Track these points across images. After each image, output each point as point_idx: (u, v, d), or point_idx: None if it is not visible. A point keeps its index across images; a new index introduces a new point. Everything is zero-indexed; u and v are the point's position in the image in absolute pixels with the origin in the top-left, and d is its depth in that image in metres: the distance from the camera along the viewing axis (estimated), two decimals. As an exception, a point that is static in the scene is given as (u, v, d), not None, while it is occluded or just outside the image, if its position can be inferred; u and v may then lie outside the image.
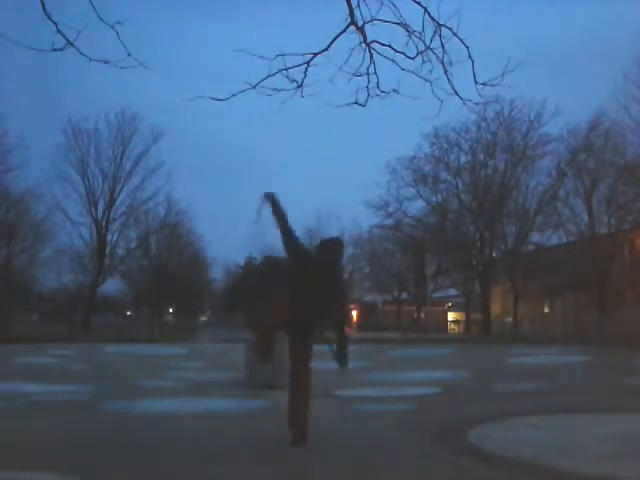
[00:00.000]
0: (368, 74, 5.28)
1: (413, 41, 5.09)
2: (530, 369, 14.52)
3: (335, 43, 5.04)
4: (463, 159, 42.66)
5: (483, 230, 41.31)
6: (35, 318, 48.82)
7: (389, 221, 45.25)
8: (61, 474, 4.53)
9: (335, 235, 5.47)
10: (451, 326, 56.94)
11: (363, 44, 5.14)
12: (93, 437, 5.99)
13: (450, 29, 5.01)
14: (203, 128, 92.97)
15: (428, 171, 43.33)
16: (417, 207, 44.36)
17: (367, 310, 64.46)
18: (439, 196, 44.02)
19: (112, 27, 4.35)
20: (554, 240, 39.26)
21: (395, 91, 5.35)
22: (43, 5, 4.27)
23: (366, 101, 5.42)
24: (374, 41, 5.15)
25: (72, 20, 4.31)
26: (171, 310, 56.70)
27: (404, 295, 54.22)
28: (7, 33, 4.31)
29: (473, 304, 47.54)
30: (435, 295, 51.76)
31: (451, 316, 60.51)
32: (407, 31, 5.07)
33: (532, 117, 39.63)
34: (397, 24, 5.03)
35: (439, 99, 5.30)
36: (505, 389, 9.95)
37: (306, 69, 5.13)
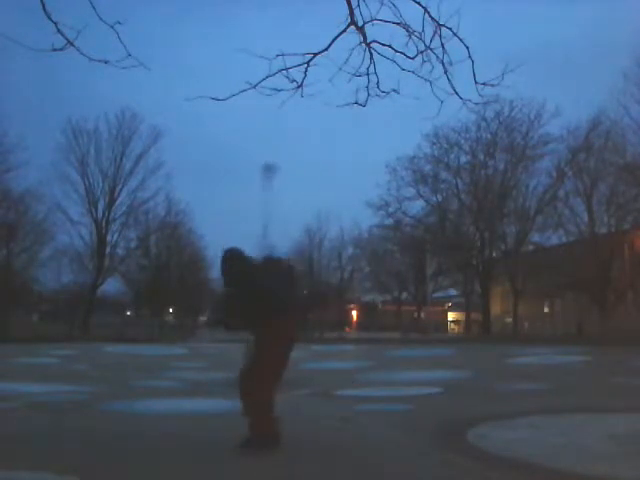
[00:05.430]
0: (368, 74, 5.29)
1: (413, 41, 5.10)
2: (530, 369, 14.52)
3: (335, 43, 5.04)
4: (463, 159, 42.76)
5: (483, 230, 41.33)
6: (35, 318, 48.79)
7: (389, 221, 45.34)
8: (60, 474, 4.53)
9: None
10: (451, 326, 56.99)
11: (363, 44, 5.14)
12: (93, 437, 5.99)
13: (450, 29, 5.02)
14: (203, 128, 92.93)
15: (428, 171, 43.44)
16: (417, 207, 44.50)
17: (367, 310, 64.50)
18: (439, 196, 44.11)
19: (112, 27, 4.35)
20: (554, 240, 39.36)
21: (395, 91, 5.36)
22: (43, 5, 4.27)
23: (366, 101, 5.42)
24: (374, 41, 5.16)
25: (72, 20, 4.32)
26: (171, 310, 56.68)
27: (404, 295, 54.22)
28: (7, 33, 4.32)
29: (473, 304, 47.57)
30: (435, 295, 51.79)
31: (451, 316, 60.60)
32: (407, 31, 5.07)
33: (532, 117, 39.76)
34: (397, 24, 5.04)
35: (439, 99, 5.31)
36: (505, 389, 9.95)
37: (306, 69, 5.13)
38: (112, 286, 46.87)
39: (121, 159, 42.94)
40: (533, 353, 19.15)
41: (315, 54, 5.08)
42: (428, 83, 5.21)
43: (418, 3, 4.96)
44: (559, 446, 5.38)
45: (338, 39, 5.03)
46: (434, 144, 42.22)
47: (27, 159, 36.65)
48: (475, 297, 46.33)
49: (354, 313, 65.24)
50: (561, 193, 38.53)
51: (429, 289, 47.33)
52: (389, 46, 5.14)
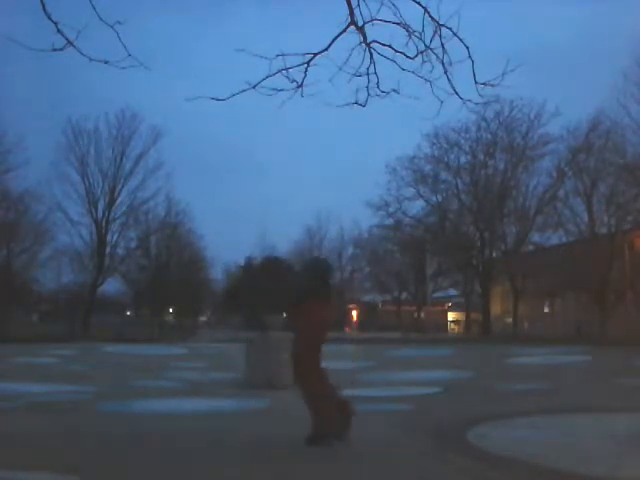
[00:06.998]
0: (368, 74, 5.28)
1: (413, 41, 5.09)
2: (530, 369, 14.52)
3: (335, 43, 5.03)
4: (463, 159, 42.70)
5: (483, 230, 41.30)
6: (35, 318, 48.79)
7: (389, 221, 45.31)
8: (60, 474, 4.53)
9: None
10: (451, 326, 56.95)
11: (363, 44, 5.13)
12: (93, 437, 5.99)
13: (450, 29, 5.01)
14: (203, 128, 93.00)
15: (428, 171, 43.38)
16: (417, 207, 44.46)
17: (367, 310, 64.47)
18: (439, 196, 44.06)
19: (112, 27, 4.35)
20: (554, 240, 39.31)
21: (395, 91, 5.35)
22: (43, 5, 4.26)
23: (366, 101, 5.42)
24: (374, 41, 5.15)
25: (72, 20, 4.31)
26: (171, 310, 56.69)
27: (404, 295, 54.21)
28: (7, 33, 4.32)
29: (473, 304, 47.54)
30: (435, 295, 51.78)
31: (451, 316, 60.53)
32: (407, 31, 5.06)
33: (532, 117, 39.67)
34: (397, 24, 5.03)
35: (439, 99, 5.30)
36: (505, 389, 9.95)
37: (306, 69, 5.13)
38: (112, 286, 46.91)
39: (121, 159, 42.89)
40: (533, 353, 19.16)
41: (315, 54, 5.08)
42: (428, 83, 5.21)
43: (418, 3, 4.95)
44: (559, 446, 5.38)
45: (338, 39, 5.03)
46: (434, 144, 42.20)
47: (27, 159, 36.63)
48: (475, 297, 46.30)
49: (354, 313, 65.23)
50: (561, 193, 38.50)
51: (429, 289, 47.30)
52: (389, 46, 5.13)
